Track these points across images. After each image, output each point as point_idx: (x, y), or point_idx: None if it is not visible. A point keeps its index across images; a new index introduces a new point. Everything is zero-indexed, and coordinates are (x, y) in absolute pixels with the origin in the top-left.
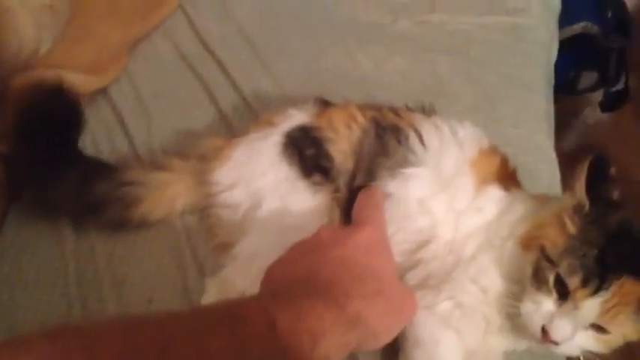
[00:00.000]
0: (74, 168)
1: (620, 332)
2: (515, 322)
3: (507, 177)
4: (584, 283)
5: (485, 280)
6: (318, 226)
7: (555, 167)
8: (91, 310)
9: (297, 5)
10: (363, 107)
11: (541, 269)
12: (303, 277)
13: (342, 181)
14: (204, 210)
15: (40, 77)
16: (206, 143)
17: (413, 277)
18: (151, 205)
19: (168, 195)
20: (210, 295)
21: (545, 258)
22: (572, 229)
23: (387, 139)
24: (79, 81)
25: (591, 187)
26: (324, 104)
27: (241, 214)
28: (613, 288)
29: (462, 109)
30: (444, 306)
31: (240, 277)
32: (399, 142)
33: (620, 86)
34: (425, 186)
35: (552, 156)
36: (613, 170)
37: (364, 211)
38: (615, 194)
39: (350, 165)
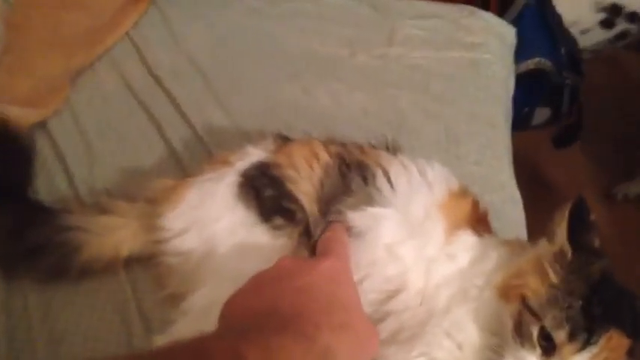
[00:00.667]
0: (7, 209)
1: None
2: None
3: (478, 221)
4: (572, 337)
5: (462, 335)
6: None
7: (520, 206)
8: None
9: (250, 37)
10: (326, 143)
11: (524, 322)
12: (267, 310)
13: (310, 224)
14: (152, 258)
15: None
16: (155, 184)
17: (383, 330)
18: (93, 252)
19: (112, 241)
20: None
21: (528, 310)
22: (554, 278)
23: (351, 177)
24: (14, 114)
25: (573, 234)
26: (284, 140)
27: (194, 262)
28: (601, 342)
29: (424, 145)
30: None
31: (192, 334)
32: (364, 180)
33: (571, 122)
34: (393, 230)
35: (517, 195)
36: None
37: (327, 244)
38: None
39: (315, 208)
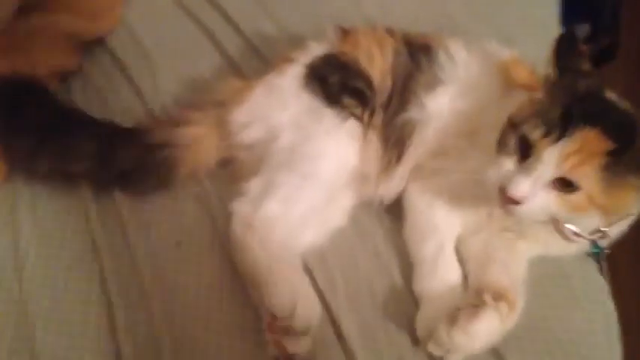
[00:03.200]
0: (91, 135)
1: (585, 189)
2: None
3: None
4: (546, 134)
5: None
6: (347, 151)
7: None
8: (120, 256)
9: None
10: (389, 30)
11: (504, 135)
12: None
13: (379, 102)
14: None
15: None
16: (222, 87)
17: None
18: (190, 164)
19: (202, 150)
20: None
21: (510, 124)
22: (539, 95)
23: (419, 57)
24: (79, 26)
25: (560, 60)
26: (345, 32)
27: (259, 155)
28: (575, 137)
29: None
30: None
31: (247, 210)
32: (429, 59)
33: (610, 41)
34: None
35: None
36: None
37: None
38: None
39: (388, 84)
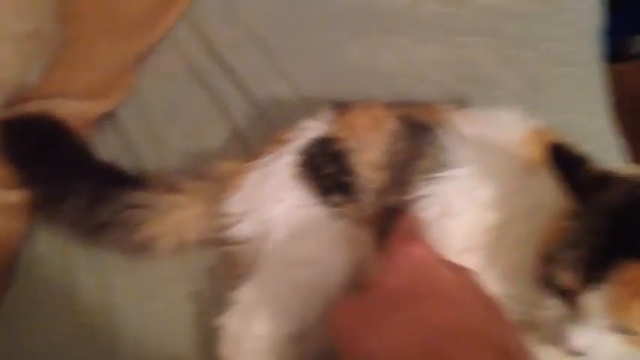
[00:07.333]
0: (86, 185)
1: None
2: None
3: None
4: (579, 277)
5: None
6: (338, 256)
7: (621, 153)
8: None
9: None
10: (389, 106)
11: (541, 269)
12: None
13: (368, 199)
14: (219, 245)
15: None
16: (222, 165)
17: None
18: (152, 229)
19: (173, 220)
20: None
21: (545, 258)
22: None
23: (420, 140)
24: (80, 109)
25: (568, 182)
26: (343, 107)
27: (253, 251)
28: (612, 277)
29: (503, 95)
30: None
31: (237, 327)
32: (431, 141)
33: None
34: (465, 184)
35: (617, 141)
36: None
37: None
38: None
39: (380, 178)
